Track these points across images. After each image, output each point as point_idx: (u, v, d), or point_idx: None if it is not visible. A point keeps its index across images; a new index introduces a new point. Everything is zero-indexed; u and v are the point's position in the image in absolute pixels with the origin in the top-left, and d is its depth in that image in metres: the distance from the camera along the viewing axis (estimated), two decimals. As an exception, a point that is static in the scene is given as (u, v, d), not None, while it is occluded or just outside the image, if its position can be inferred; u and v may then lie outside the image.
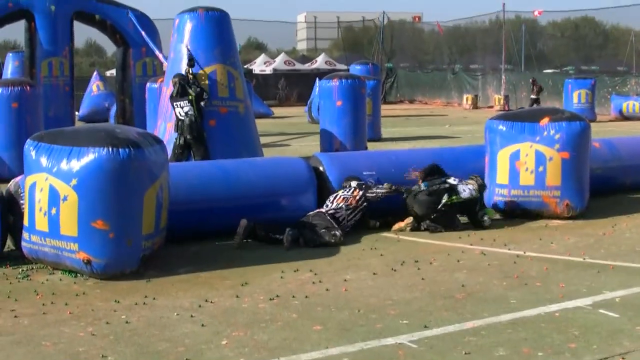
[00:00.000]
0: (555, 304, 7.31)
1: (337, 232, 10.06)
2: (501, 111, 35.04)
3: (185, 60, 14.26)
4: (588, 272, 8.53)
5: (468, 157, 12.56)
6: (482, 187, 11.14)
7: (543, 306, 7.26)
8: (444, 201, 10.73)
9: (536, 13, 49.44)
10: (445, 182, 10.90)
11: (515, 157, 11.47)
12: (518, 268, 8.69)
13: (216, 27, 14.51)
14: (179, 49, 14.51)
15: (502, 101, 42.28)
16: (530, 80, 40.88)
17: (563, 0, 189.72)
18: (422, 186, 10.84)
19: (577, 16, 61.25)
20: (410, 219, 10.79)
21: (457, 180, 11.01)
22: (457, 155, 12.78)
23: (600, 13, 51.86)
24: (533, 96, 39.81)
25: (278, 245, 9.84)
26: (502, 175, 11.56)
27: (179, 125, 14.05)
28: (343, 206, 10.60)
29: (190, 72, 14.09)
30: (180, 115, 13.98)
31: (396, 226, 10.80)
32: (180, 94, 14.00)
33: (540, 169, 11.31)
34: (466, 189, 10.90)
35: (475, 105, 43.85)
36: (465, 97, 45.02)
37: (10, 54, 34.81)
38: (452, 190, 10.83)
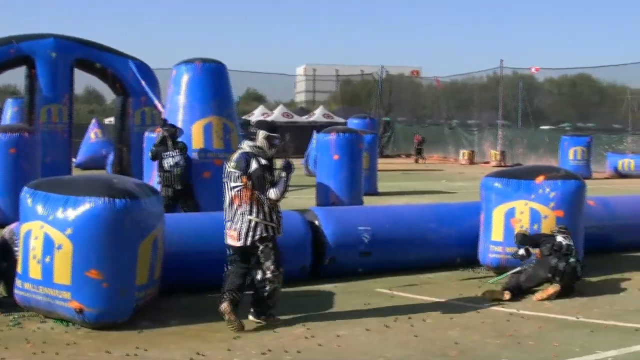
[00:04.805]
0: (548, 364, 7.30)
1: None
2: (497, 167, 35.17)
3: (180, 112, 14.27)
4: (581, 331, 8.52)
5: (464, 214, 12.57)
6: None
7: (536, 366, 7.25)
8: (577, 267, 10.40)
9: (533, 70, 49.78)
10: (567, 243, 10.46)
11: (510, 214, 11.50)
12: (512, 326, 8.67)
13: (213, 78, 14.54)
14: (175, 100, 14.54)
15: (498, 157, 42.45)
16: (415, 134, 43.71)
17: (560, 58, 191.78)
18: (571, 260, 10.28)
19: (573, 73, 61.48)
20: (557, 287, 10.14)
21: (557, 234, 10.63)
22: (453, 212, 12.80)
23: (597, 71, 52.05)
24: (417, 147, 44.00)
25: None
26: (497, 233, 11.57)
27: (166, 177, 13.94)
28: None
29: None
30: (169, 165, 13.92)
31: (540, 295, 10.12)
32: (165, 144, 13.91)
33: (535, 226, 11.31)
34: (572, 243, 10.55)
35: (471, 161, 43.98)
36: (461, 152, 45.19)
37: (10, 100, 35.03)
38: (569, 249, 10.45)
